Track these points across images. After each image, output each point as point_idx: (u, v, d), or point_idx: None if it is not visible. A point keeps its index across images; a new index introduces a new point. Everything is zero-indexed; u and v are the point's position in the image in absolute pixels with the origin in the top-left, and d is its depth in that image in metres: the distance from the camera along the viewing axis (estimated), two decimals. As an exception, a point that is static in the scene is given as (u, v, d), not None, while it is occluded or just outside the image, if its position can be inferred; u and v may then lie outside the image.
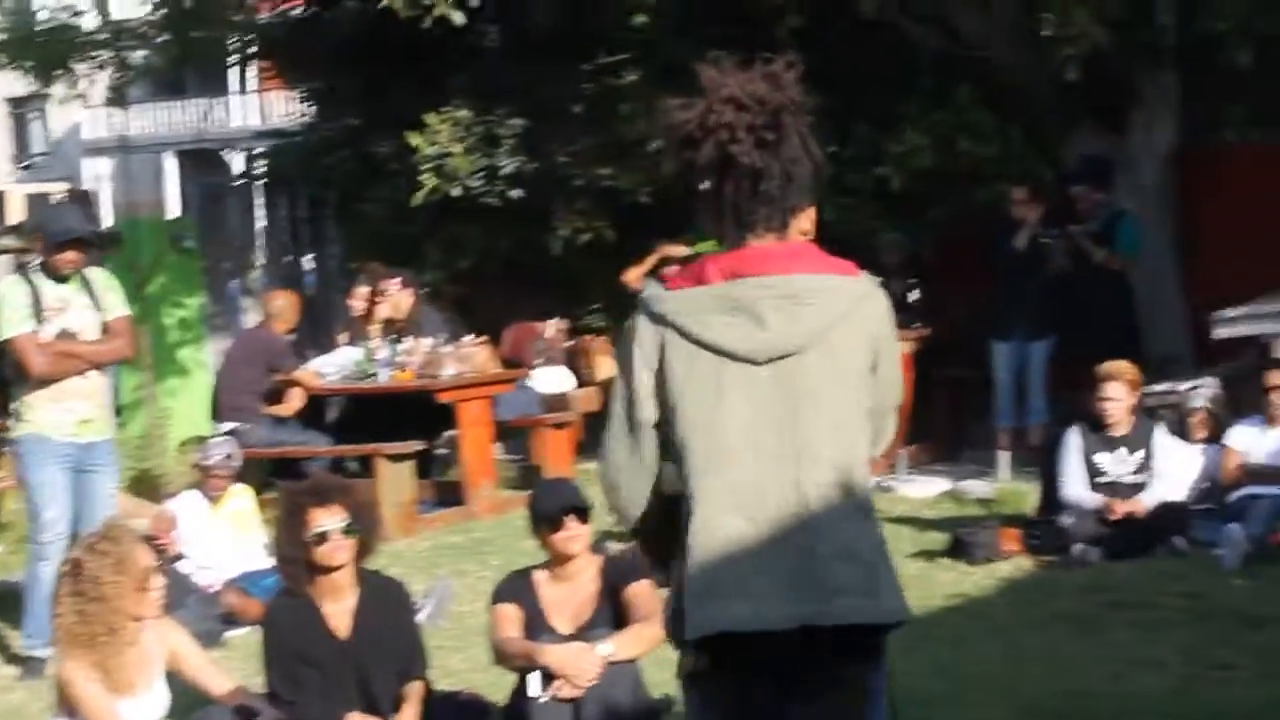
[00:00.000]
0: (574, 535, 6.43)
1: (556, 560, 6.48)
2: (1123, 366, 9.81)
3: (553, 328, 14.23)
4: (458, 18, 12.93)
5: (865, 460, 3.80)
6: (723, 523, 3.66)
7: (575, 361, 14.12)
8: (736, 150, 3.69)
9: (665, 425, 3.75)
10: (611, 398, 3.85)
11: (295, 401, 11.90)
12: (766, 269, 3.73)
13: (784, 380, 3.70)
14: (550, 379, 13.59)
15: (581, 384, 13.82)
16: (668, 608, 3.84)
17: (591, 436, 13.06)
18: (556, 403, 13.22)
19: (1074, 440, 9.69)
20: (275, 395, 11.96)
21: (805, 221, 3.86)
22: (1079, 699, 6.81)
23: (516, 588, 6.53)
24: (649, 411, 3.76)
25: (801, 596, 3.61)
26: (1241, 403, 10.49)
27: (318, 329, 15.52)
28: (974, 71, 12.92)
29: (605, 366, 13.99)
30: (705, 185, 3.75)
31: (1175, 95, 12.51)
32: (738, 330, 3.69)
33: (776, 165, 3.70)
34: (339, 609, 6.34)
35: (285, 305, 12.44)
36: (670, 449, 3.75)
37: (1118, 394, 9.65)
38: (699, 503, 3.68)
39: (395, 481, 11.27)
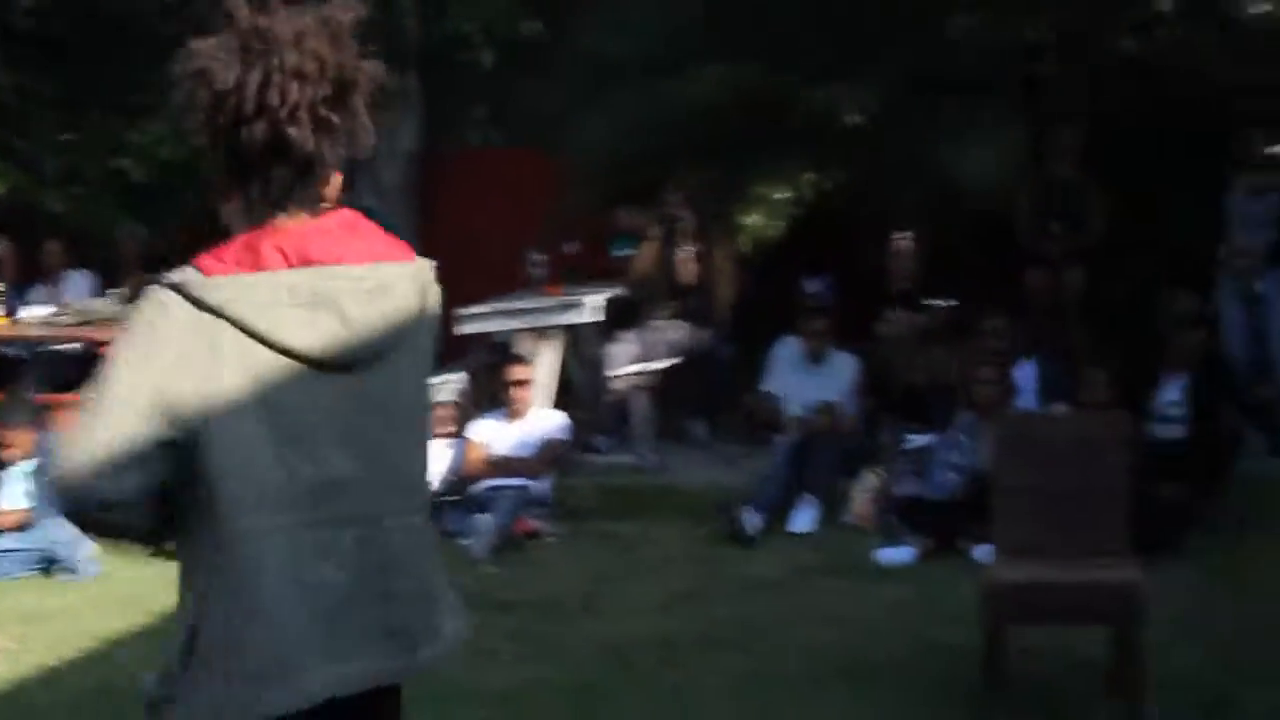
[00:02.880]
0: None
1: None
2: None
3: None
4: None
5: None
6: (279, 572, 2.96)
7: None
8: (294, 134, 2.99)
9: (191, 446, 2.91)
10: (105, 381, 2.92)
11: None
12: (342, 255, 3.06)
13: (367, 391, 3.06)
14: None
15: None
16: (159, 694, 3.03)
17: None
18: None
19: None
20: None
21: (331, 190, 3.17)
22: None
23: None
24: (153, 419, 2.88)
25: (383, 650, 3.06)
26: (483, 397, 10.80)
27: None
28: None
29: None
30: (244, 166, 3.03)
31: (418, 96, 12.71)
32: (320, 330, 2.98)
33: (330, 152, 3.05)
34: None
35: None
36: (194, 480, 2.94)
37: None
38: (245, 549, 2.93)
39: None
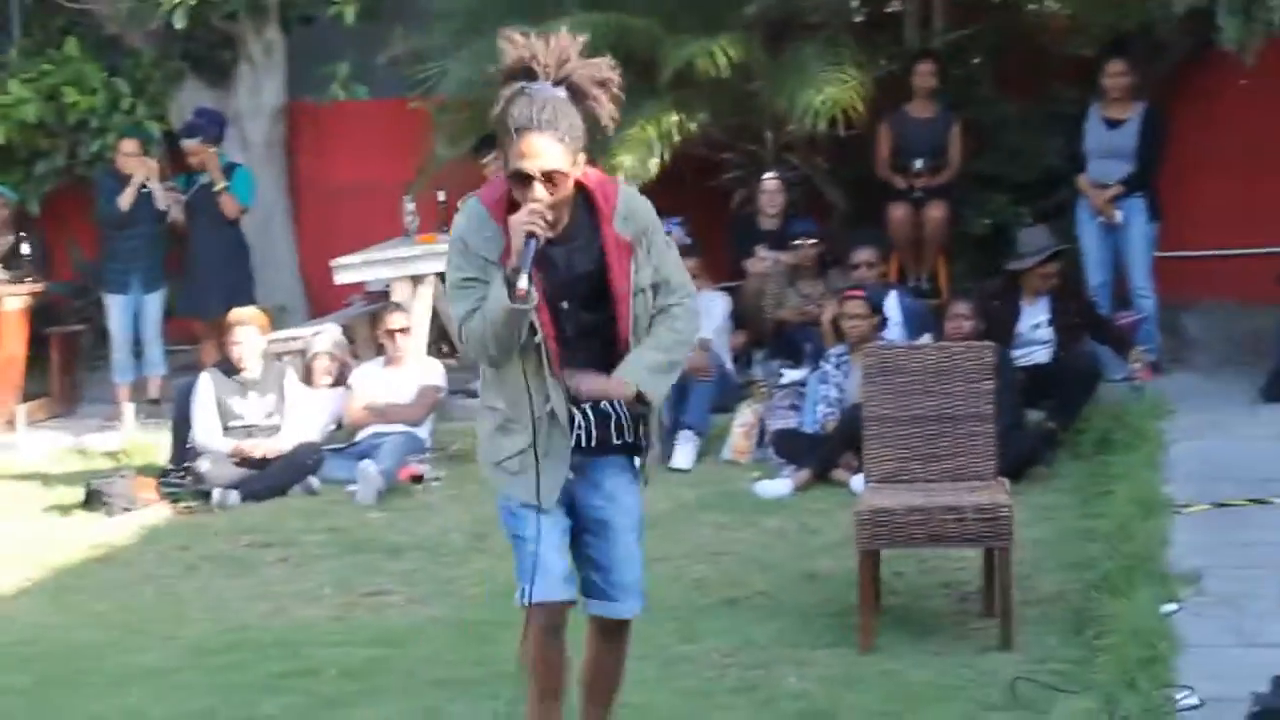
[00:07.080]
0: None
1: None
2: (252, 312, 10.05)
3: None
4: None
5: None
6: None
7: None
8: None
9: None
10: None
11: None
12: None
13: None
14: None
15: None
16: None
17: None
18: None
19: (205, 386, 9.77)
20: None
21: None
22: (243, 633, 6.92)
23: None
24: None
25: None
26: (361, 346, 10.91)
27: None
28: (76, 21, 12.76)
29: None
30: None
31: (281, 52, 12.77)
32: None
33: None
34: None
35: None
36: None
37: (248, 339, 9.81)
38: None
39: None
